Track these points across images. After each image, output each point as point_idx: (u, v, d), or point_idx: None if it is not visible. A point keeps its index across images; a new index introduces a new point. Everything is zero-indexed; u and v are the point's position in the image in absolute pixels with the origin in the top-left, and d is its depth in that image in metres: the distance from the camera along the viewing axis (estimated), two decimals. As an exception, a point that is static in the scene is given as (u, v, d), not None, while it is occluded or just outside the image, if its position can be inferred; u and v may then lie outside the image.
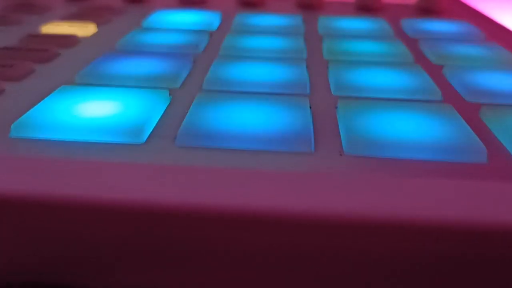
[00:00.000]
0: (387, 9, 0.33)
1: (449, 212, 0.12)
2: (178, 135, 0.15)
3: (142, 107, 0.16)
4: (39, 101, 0.17)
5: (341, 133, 0.15)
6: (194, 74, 0.20)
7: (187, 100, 0.18)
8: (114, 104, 0.16)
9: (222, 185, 0.12)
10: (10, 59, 0.21)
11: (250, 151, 0.14)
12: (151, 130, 0.15)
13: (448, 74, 0.21)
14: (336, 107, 0.17)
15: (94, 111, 0.16)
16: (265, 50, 0.23)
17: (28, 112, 0.16)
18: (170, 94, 0.18)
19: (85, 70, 0.19)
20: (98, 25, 0.27)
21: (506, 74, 0.21)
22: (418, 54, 0.24)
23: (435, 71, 0.21)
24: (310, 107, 0.17)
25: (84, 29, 0.25)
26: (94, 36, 0.25)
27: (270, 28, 0.27)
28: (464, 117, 0.17)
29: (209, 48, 0.24)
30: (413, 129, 0.15)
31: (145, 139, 0.15)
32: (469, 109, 0.18)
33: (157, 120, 0.16)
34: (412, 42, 0.26)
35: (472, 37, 0.27)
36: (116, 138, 0.15)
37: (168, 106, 0.17)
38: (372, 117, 0.16)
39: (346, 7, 0.34)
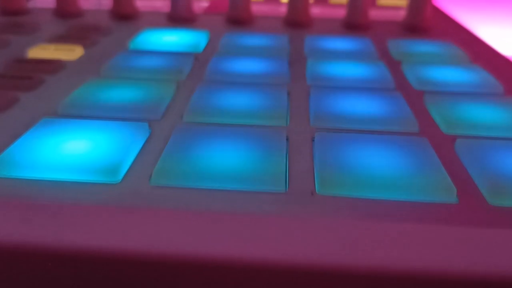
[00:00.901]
0: (375, 27, 0.33)
1: (416, 260, 0.12)
2: (153, 174, 0.15)
3: (120, 142, 0.17)
4: (21, 134, 0.17)
5: (315, 170, 0.16)
6: (175, 103, 0.20)
7: (166, 133, 0.18)
8: (93, 139, 0.17)
9: (191, 230, 0.13)
10: (-4, 88, 0.21)
11: (224, 191, 0.14)
12: (127, 168, 0.15)
13: (428, 101, 0.21)
14: (313, 140, 0.18)
15: (72, 147, 0.16)
16: (248, 75, 0.23)
17: (8, 149, 0.16)
18: (150, 127, 0.18)
19: (67, 100, 0.20)
20: (85, 47, 0.27)
21: (485, 103, 0.21)
22: (400, 79, 0.24)
23: (415, 98, 0.22)
24: (287, 139, 0.17)
25: (70, 53, 0.25)
26: (80, 60, 0.25)
27: (256, 49, 0.27)
28: (438, 151, 0.17)
29: (193, 73, 0.24)
30: (386, 166, 0.16)
31: (121, 178, 0.15)
32: (445, 141, 0.18)
33: (134, 157, 0.16)
34: (395, 65, 0.26)
35: (456, 60, 0.27)
36: (92, 177, 0.15)
37: (147, 139, 0.17)
38: (346, 152, 0.16)
39: (334, 24, 0.34)
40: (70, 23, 0.32)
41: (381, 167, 0.16)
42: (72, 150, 0.16)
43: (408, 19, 0.33)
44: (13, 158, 0.15)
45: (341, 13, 0.38)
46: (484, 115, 0.20)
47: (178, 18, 0.33)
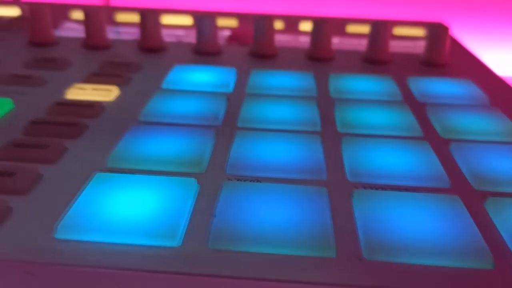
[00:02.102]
0: (394, 61, 0.34)
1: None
2: (211, 239, 0.16)
3: (172, 200, 0.18)
4: (77, 190, 0.18)
5: (358, 233, 0.17)
6: (216, 154, 0.21)
7: (213, 189, 0.19)
8: (146, 197, 0.18)
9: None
10: (42, 136, 0.22)
11: (276, 255, 0.15)
12: (184, 230, 0.16)
13: (455, 152, 0.22)
14: (352, 196, 0.19)
15: (128, 207, 0.17)
16: (281, 122, 0.24)
17: (70, 211, 0.17)
18: (197, 182, 0.19)
19: (114, 152, 0.21)
20: (120, 87, 0.28)
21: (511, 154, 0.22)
22: (426, 125, 0.25)
23: (442, 147, 0.23)
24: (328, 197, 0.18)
25: (107, 93, 0.26)
26: (117, 101, 0.26)
27: (284, 90, 0.28)
28: (470, 209, 0.18)
29: (228, 118, 0.25)
30: (423, 230, 0.17)
31: (179, 241, 0.16)
32: (476, 198, 0.19)
33: (188, 216, 0.17)
34: (419, 108, 0.27)
35: (477, 102, 0.28)
36: (152, 241, 0.16)
37: (196, 197, 0.18)
38: (385, 212, 0.18)
39: (354, 58, 0.35)
40: (99, 57, 0.33)
41: (418, 230, 0.17)
42: (129, 211, 0.17)
43: (426, 55, 0.34)
44: (76, 221, 0.16)
45: (359, 43, 0.39)
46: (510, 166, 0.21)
47: (204, 52, 0.34)
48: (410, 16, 0.56)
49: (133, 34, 0.40)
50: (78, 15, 0.44)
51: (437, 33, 0.34)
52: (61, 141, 0.21)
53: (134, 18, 0.44)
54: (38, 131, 0.22)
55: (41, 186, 0.18)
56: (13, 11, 0.44)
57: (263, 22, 0.34)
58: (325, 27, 0.34)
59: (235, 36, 0.40)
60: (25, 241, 0.16)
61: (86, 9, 0.34)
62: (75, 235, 0.16)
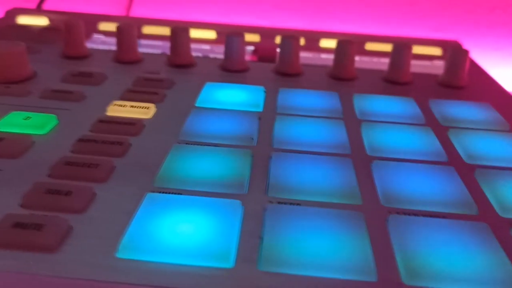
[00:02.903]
0: (414, 83, 0.36)
1: None
2: (261, 260, 0.17)
3: (221, 222, 0.19)
4: (131, 210, 0.19)
5: (396, 257, 0.18)
6: (256, 175, 0.23)
7: (257, 211, 0.20)
8: (195, 218, 0.19)
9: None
10: (90, 154, 0.23)
11: (322, 279, 0.17)
12: (235, 252, 0.18)
13: (480, 178, 0.23)
14: (386, 221, 0.20)
15: (180, 228, 0.18)
16: (313, 144, 0.26)
17: (128, 232, 0.18)
18: (242, 204, 0.20)
19: (161, 173, 0.22)
20: (156, 104, 0.29)
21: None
22: (450, 150, 0.26)
23: (467, 172, 0.24)
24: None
25: (145, 111, 0.28)
26: (155, 119, 0.27)
27: (312, 111, 0.30)
28: (498, 236, 0.19)
29: (262, 139, 0.26)
30: (457, 258, 0.18)
31: (232, 263, 0.17)
32: (503, 225, 0.20)
33: (237, 238, 0.18)
34: (442, 132, 0.28)
35: (498, 127, 0.29)
36: (206, 262, 0.17)
37: (242, 219, 0.19)
38: (419, 238, 0.19)
39: (376, 78, 0.36)
40: (132, 72, 0.34)
41: (452, 257, 0.18)
42: (181, 232, 0.18)
43: (446, 77, 0.36)
44: (135, 241, 0.18)
45: (378, 61, 0.40)
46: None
47: (232, 69, 0.35)
48: (420, 31, 0.57)
49: (155, 46, 0.41)
50: (106, 26, 0.45)
51: (457, 56, 0.35)
52: (109, 159, 0.23)
53: (156, 30, 0.45)
54: (86, 149, 0.23)
55: (96, 205, 0.20)
56: (41, 21, 0.46)
57: (289, 42, 0.35)
58: (350, 48, 0.35)
59: (258, 52, 0.41)
60: (87, 260, 0.17)
61: (120, 24, 0.35)
62: (135, 255, 0.17)
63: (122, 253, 0.17)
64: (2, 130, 0.25)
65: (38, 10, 0.48)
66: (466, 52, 0.35)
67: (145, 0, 0.59)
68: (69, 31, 0.36)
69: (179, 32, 0.35)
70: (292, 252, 0.18)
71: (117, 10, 0.59)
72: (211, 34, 0.45)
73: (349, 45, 0.35)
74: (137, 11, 0.59)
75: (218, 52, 0.41)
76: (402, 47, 0.35)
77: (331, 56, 0.42)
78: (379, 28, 0.58)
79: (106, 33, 0.44)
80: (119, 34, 0.36)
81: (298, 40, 0.35)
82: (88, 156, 0.23)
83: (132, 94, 0.30)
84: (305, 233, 0.19)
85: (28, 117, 0.26)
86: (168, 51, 0.40)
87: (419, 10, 0.58)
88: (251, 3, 0.58)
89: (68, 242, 0.18)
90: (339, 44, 0.35)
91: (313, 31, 0.47)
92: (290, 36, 0.35)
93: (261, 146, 0.25)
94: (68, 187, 0.20)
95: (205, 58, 0.39)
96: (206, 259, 0.17)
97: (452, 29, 0.58)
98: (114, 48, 0.40)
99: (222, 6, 0.58)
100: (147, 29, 0.44)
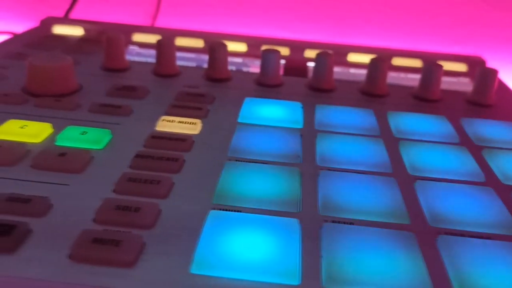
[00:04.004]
0: (444, 100, 0.37)
1: None
2: (326, 280, 0.18)
3: (282, 240, 0.20)
4: (196, 227, 0.20)
5: (451, 278, 0.19)
6: (307, 193, 0.24)
7: (314, 230, 0.21)
8: (257, 236, 0.20)
9: None
10: (149, 170, 0.24)
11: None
12: (300, 269, 0.19)
13: (518, 200, 0.25)
14: (436, 240, 0.21)
15: (244, 245, 0.20)
16: (356, 163, 0.27)
17: (198, 248, 0.19)
18: (300, 223, 0.21)
19: (218, 190, 0.23)
20: (201, 119, 0.30)
21: None
22: (487, 171, 0.27)
23: (505, 195, 0.25)
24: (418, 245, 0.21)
25: (193, 127, 0.29)
26: (203, 134, 0.29)
27: (351, 128, 0.31)
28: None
29: (307, 156, 0.27)
30: (503, 278, 0.19)
31: (299, 280, 0.18)
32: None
33: (300, 256, 0.19)
34: (477, 151, 0.29)
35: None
36: (275, 279, 0.18)
37: (301, 237, 0.21)
38: (470, 257, 0.20)
39: (406, 94, 0.37)
40: (172, 85, 0.35)
41: (500, 277, 0.19)
42: (247, 249, 0.19)
43: (475, 95, 0.37)
44: (205, 258, 0.19)
45: (405, 76, 0.41)
46: None
47: (267, 84, 0.37)
48: (439, 45, 0.58)
49: (189, 59, 0.42)
50: (140, 37, 0.46)
51: (486, 75, 0.36)
52: (168, 175, 0.24)
53: (189, 42, 0.46)
54: (144, 165, 0.25)
55: (163, 222, 0.21)
56: (75, 31, 0.47)
57: (324, 58, 0.36)
58: (383, 66, 0.36)
59: (290, 64, 0.42)
60: (164, 276, 0.18)
61: (160, 40, 0.37)
62: (207, 271, 0.18)
63: (196, 269, 0.18)
64: (62, 144, 0.26)
65: (72, 20, 0.49)
66: (495, 72, 0.36)
67: (171, 9, 0.60)
68: (110, 44, 0.37)
69: (217, 48, 0.36)
70: (352, 270, 0.19)
71: (143, 19, 0.60)
72: (242, 47, 0.46)
73: (382, 63, 0.36)
74: (162, 20, 0.60)
75: (251, 66, 0.42)
76: (433, 66, 0.36)
77: (359, 71, 0.43)
78: (398, 41, 0.59)
79: (140, 44, 0.45)
80: (159, 48, 0.37)
81: (332, 57, 0.36)
82: (147, 172, 0.24)
83: (178, 109, 0.31)
84: (361, 252, 0.20)
85: (85, 132, 0.27)
86: (201, 63, 0.41)
87: (437, 23, 0.59)
88: (273, 14, 0.59)
89: (143, 258, 0.19)
90: (373, 62, 0.37)
91: (339, 45, 0.48)
92: (325, 53, 0.36)
93: (307, 164, 0.26)
94: (136, 204, 0.21)
95: (240, 72, 0.40)
96: (274, 276, 0.18)
97: (471, 42, 0.60)
98: (150, 60, 0.41)
99: (244, 16, 0.59)
100: (179, 41, 0.46)
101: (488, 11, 0.59)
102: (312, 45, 0.46)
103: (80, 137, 0.26)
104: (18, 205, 0.21)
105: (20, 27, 0.59)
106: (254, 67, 0.42)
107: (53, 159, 0.24)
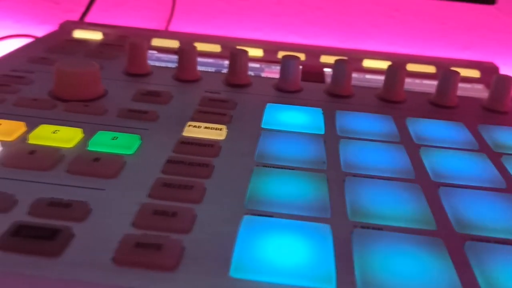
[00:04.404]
0: (459, 106, 0.37)
1: None
2: (358, 282, 0.19)
3: (317, 245, 0.21)
4: (231, 232, 0.21)
5: (480, 283, 0.20)
6: (334, 199, 0.24)
7: (344, 235, 0.22)
8: (291, 240, 0.21)
9: None
10: (181, 175, 0.25)
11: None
12: (335, 274, 0.19)
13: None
14: (463, 246, 0.22)
15: (280, 249, 0.20)
16: (380, 169, 0.27)
17: (235, 252, 0.20)
18: (331, 228, 0.22)
19: (249, 196, 0.24)
20: (226, 125, 0.31)
21: None
22: (507, 177, 0.28)
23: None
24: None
25: (219, 133, 0.29)
26: (228, 140, 0.29)
27: (372, 135, 0.31)
28: None
29: (331, 162, 0.28)
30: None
31: (334, 285, 0.19)
32: None
33: (333, 261, 0.20)
34: (496, 158, 0.30)
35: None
36: (312, 283, 0.19)
37: (333, 242, 0.21)
38: (500, 263, 0.21)
39: (423, 101, 0.38)
40: (194, 91, 0.36)
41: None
42: (283, 253, 0.20)
43: (491, 102, 0.37)
44: (243, 262, 0.19)
45: (420, 82, 0.42)
46: None
47: (287, 90, 0.37)
48: (449, 50, 0.59)
49: (207, 64, 0.43)
50: (158, 42, 0.47)
51: (502, 83, 0.37)
52: (200, 181, 0.25)
53: (207, 47, 0.47)
54: (176, 171, 0.25)
55: (198, 226, 0.22)
56: (95, 35, 0.47)
57: (343, 65, 0.37)
58: (401, 73, 0.37)
59: (307, 70, 0.43)
60: (205, 279, 0.19)
61: (182, 46, 0.37)
62: (246, 275, 0.19)
63: (235, 273, 0.19)
64: (94, 149, 0.27)
65: (91, 24, 0.50)
66: (510, 79, 0.37)
67: (184, 13, 0.60)
68: (133, 50, 0.37)
69: (239, 54, 0.37)
70: (385, 275, 0.19)
71: (157, 23, 0.61)
72: (258, 52, 0.46)
73: (400, 70, 0.37)
74: (176, 25, 0.61)
75: (266, 70, 0.43)
76: (450, 73, 0.37)
77: (374, 77, 0.44)
78: (408, 45, 0.60)
79: (158, 49, 0.46)
80: (182, 54, 0.37)
81: (351, 64, 0.37)
82: (179, 177, 0.25)
83: (202, 115, 0.32)
84: (392, 257, 0.21)
85: (115, 137, 0.27)
86: (219, 68, 0.42)
87: (447, 28, 0.59)
88: (284, 19, 0.59)
89: (183, 262, 0.19)
90: (390, 69, 0.37)
91: (354, 50, 0.49)
92: (344, 60, 0.37)
93: (332, 170, 0.27)
94: (172, 208, 0.22)
95: (259, 77, 0.40)
96: (311, 280, 0.19)
97: (481, 47, 0.60)
98: (170, 65, 0.42)
99: (255, 20, 0.60)
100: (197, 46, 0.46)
101: (498, 16, 0.60)
102: (328, 51, 0.47)
103: (111, 142, 0.27)
104: (59, 210, 0.21)
105: (35, 30, 0.60)
106: (270, 71, 0.43)
107: (88, 164, 0.25)
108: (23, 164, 0.25)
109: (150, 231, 0.21)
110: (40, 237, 0.19)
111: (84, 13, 0.58)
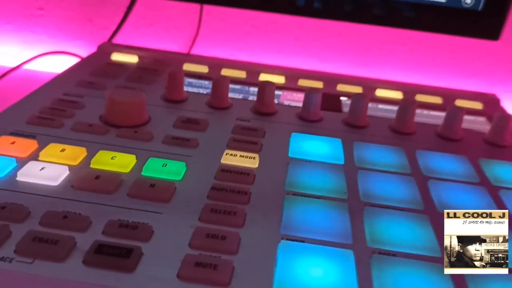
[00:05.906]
0: (464, 140, 0.42)
1: None
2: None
3: (344, 271, 0.25)
4: (270, 256, 0.25)
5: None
6: (355, 227, 0.29)
7: (365, 260, 0.26)
8: (323, 266, 0.25)
9: None
10: (224, 201, 0.29)
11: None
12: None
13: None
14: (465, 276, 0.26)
15: (314, 273, 0.24)
16: (396, 200, 0.32)
17: (276, 273, 0.24)
18: (354, 254, 0.26)
19: (283, 223, 0.28)
20: (258, 153, 0.35)
21: None
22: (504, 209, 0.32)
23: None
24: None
25: (253, 161, 0.34)
26: (261, 168, 0.33)
27: (386, 166, 0.36)
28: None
29: (351, 191, 0.32)
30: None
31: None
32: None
33: (357, 284, 0.24)
34: (494, 192, 0.34)
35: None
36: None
37: (356, 267, 0.25)
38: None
39: (431, 133, 0.42)
40: (226, 119, 0.40)
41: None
42: (314, 274, 0.24)
43: (492, 137, 0.42)
44: (283, 282, 0.24)
45: (428, 113, 0.46)
46: None
47: (309, 120, 0.42)
48: (455, 79, 0.63)
49: (235, 90, 0.47)
50: (190, 67, 0.51)
51: (503, 119, 0.41)
52: (241, 207, 0.29)
53: (233, 73, 0.51)
54: (219, 197, 0.29)
55: (244, 249, 0.26)
56: (131, 58, 0.52)
57: (361, 98, 0.41)
58: (413, 108, 0.41)
59: (325, 100, 0.47)
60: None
61: (216, 77, 0.42)
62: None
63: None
64: (147, 175, 0.31)
65: (126, 47, 0.54)
66: (510, 117, 0.41)
67: (206, 37, 0.65)
68: (172, 79, 0.42)
69: (268, 86, 0.41)
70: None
71: (183, 42, 0.65)
72: (280, 79, 0.51)
73: (413, 105, 0.41)
74: (198, 48, 0.65)
75: (289, 96, 0.47)
76: (457, 110, 0.41)
77: (387, 107, 0.48)
78: (418, 71, 0.64)
79: (188, 73, 0.50)
80: (216, 84, 0.42)
81: (368, 98, 0.41)
82: (223, 203, 0.29)
83: (237, 143, 0.36)
84: (405, 280, 0.25)
85: (165, 164, 0.32)
86: (245, 94, 0.46)
87: (454, 57, 0.64)
88: (304, 43, 0.64)
89: (234, 279, 0.24)
90: (403, 103, 0.41)
91: (369, 79, 0.53)
92: (362, 94, 0.41)
93: (352, 199, 0.31)
94: (221, 232, 0.26)
95: (283, 105, 0.45)
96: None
97: (485, 77, 0.64)
98: (202, 90, 0.46)
99: (277, 43, 0.64)
100: (224, 71, 0.51)
101: (503, 47, 0.64)
102: (344, 80, 0.51)
103: (162, 169, 0.31)
104: (128, 231, 0.26)
105: (69, 46, 0.64)
106: (291, 97, 0.47)
107: (145, 189, 0.29)
108: (91, 188, 0.29)
109: (204, 251, 0.25)
110: (118, 255, 0.24)
111: (115, 32, 0.62)
